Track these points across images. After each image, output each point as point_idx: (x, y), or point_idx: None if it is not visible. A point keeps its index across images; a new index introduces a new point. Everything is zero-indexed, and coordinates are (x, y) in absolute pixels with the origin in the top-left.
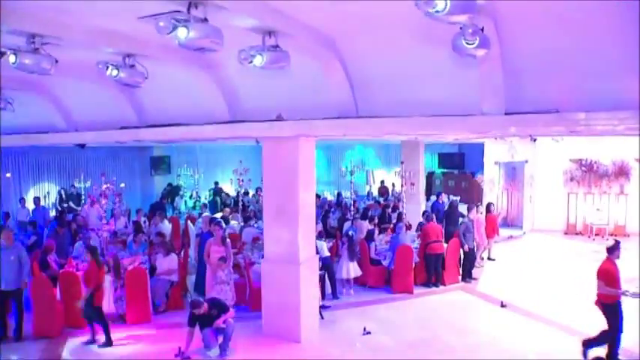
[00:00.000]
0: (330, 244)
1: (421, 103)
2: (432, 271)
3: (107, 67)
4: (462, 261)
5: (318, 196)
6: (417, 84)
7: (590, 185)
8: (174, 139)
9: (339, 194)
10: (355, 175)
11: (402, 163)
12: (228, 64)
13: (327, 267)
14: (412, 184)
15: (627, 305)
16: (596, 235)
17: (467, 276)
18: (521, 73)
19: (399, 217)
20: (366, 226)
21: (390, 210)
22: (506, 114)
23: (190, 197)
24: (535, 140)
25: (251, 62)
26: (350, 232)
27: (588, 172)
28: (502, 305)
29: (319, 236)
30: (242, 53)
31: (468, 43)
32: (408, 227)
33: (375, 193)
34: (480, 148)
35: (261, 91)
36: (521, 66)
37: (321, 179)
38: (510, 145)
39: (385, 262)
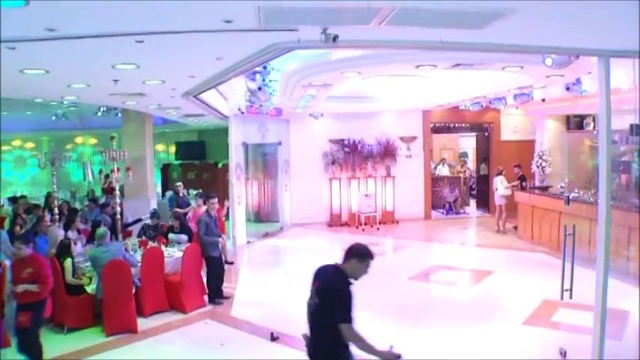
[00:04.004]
0: None
1: None
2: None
3: None
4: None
5: (14, 199)
6: None
7: (354, 169)
8: None
9: (48, 195)
10: (60, 168)
11: (112, 138)
12: None
13: None
14: (128, 169)
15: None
16: (365, 224)
17: (216, 296)
18: None
19: (113, 221)
20: (60, 235)
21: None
22: None
23: None
24: (335, 40)
25: None
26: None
27: (352, 154)
28: (273, 338)
29: None
30: None
31: None
32: (128, 234)
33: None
34: (224, 135)
35: None
36: None
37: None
38: (261, 124)
39: (91, 289)
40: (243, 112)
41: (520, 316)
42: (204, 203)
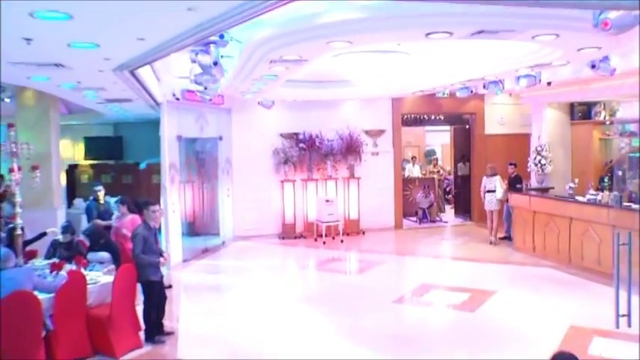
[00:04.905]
0: None
1: None
2: None
3: None
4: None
5: None
6: None
7: (311, 169)
8: None
9: None
10: None
11: (10, 126)
12: None
13: None
14: (35, 167)
15: None
16: (325, 236)
17: (156, 332)
18: None
19: (10, 237)
20: None
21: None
22: None
23: None
24: None
25: None
26: None
27: (308, 151)
28: None
29: None
30: None
31: None
32: (32, 254)
33: None
34: (147, 129)
35: None
36: None
37: None
38: (199, 113)
39: None
40: (178, 99)
41: (548, 348)
42: (132, 211)
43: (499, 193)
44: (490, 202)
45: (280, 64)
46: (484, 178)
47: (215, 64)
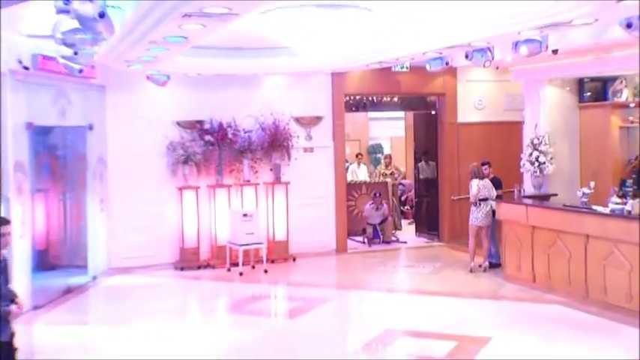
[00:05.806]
0: None
1: None
2: None
3: None
4: None
5: None
6: None
7: (221, 171)
8: None
9: None
10: None
11: None
12: None
13: None
14: None
15: None
16: (242, 264)
17: None
18: None
19: None
20: None
21: None
22: None
23: None
24: None
25: None
26: None
27: (217, 146)
28: None
29: None
30: None
31: None
32: None
33: None
34: None
35: None
36: None
37: None
38: (59, 91)
39: None
40: (27, 68)
41: None
42: None
43: (494, 203)
44: (487, 215)
45: (197, 21)
46: (476, 181)
47: (102, 15)
